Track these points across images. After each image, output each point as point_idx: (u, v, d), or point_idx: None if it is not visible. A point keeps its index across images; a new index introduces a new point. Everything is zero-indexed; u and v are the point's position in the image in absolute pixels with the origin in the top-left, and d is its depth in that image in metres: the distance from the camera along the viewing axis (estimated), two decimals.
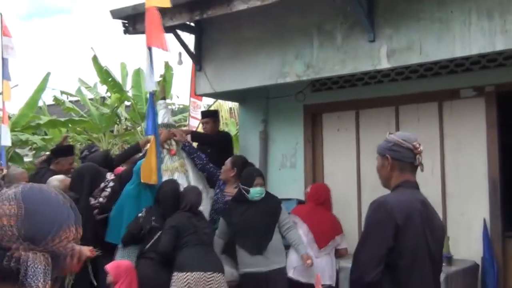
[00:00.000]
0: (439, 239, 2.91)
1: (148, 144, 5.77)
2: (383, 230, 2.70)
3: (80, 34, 49.38)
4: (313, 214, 5.53)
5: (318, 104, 6.67)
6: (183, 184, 5.78)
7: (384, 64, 5.26)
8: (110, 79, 15.17)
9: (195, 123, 11.77)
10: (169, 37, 6.54)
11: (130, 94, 15.77)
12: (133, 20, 6.32)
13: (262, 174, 5.58)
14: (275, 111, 7.00)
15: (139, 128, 15.47)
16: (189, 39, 6.67)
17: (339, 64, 5.54)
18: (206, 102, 16.30)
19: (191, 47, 6.71)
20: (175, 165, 5.93)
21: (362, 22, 5.28)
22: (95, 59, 14.83)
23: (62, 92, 17.88)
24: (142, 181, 5.52)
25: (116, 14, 6.37)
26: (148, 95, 5.86)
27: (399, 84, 6.07)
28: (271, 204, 5.34)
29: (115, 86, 15.29)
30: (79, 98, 17.01)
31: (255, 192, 5.25)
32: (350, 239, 6.24)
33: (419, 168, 2.90)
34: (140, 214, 5.16)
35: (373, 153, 6.37)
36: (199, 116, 11.91)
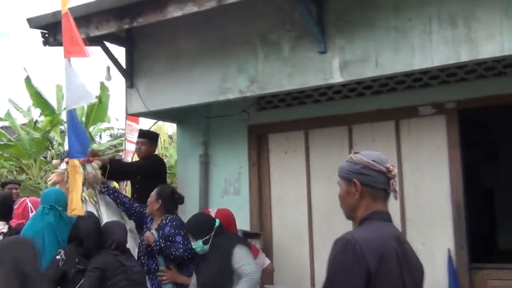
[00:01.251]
0: (418, 282, 2.31)
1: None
2: (351, 277, 2.08)
3: (17, 59, 47.58)
4: None
5: (264, 124, 6.08)
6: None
7: (337, 78, 4.73)
8: (42, 101, 14.24)
9: (132, 147, 10.97)
10: (96, 50, 5.86)
11: (64, 117, 14.88)
12: (53, 30, 5.58)
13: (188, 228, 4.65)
14: (216, 132, 6.36)
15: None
16: (119, 51, 5.99)
17: (286, 78, 4.97)
18: (145, 126, 15.55)
19: (122, 60, 6.02)
20: (83, 195, 5.13)
21: (311, 31, 4.74)
22: (27, 80, 13.91)
23: None
24: (69, 214, 4.78)
25: (34, 22, 5.62)
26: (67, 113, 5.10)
27: (352, 101, 5.56)
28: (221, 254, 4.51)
29: (47, 109, 14.36)
30: (8, 122, 15.94)
31: (196, 247, 4.45)
32: (300, 275, 5.66)
33: (391, 195, 2.31)
34: (58, 257, 4.34)
35: (325, 178, 5.87)
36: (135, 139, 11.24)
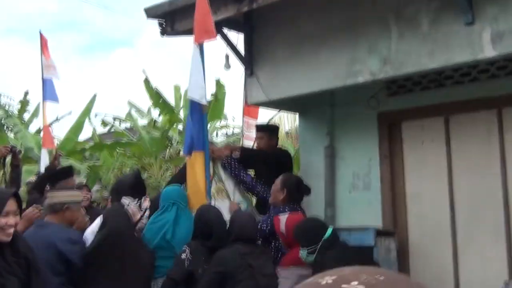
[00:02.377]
0: None
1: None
2: None
3: (139, 66, 50.09)
4: None
5: (396, 111, 5.49)
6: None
7: (488, 52, 4.07)
8: (161, 101, 14.48)
9: (250, 144, 10.72)
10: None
11: (182, 116, 15.07)
12: (170, 18, 5.37)
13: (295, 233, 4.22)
14: (342, 122, 5.85)
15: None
16: (238, 38, 5.67)
17: (426, 56, 4.37)
18: (263, 121, 15.31)
19: (241, 48, 5.70)
20: (212, 191, 4.86)
21: (455, 0, 4.12)
22: (146, 81, 14.20)
23: (114, 119, 17.36)
24: (191, 208, 4.57)
25: (151, 12, 5.44)
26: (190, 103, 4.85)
27: (502, 81, 4.82)
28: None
29: (165, 108, 14.59)
30: (129, 123, 16.44)
31: (302, 256, 4.00)
32: (441, 281, 5.03)
33: None
34: (183, 256, 4.01)
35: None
36: (254, 136, 10.96)
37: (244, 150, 5.77)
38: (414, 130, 5.42)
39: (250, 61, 5.66)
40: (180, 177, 5.14)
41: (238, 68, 5.87)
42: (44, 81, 9.97)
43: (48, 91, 9.85)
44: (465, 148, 5.05)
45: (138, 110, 16.05)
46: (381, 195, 5.49)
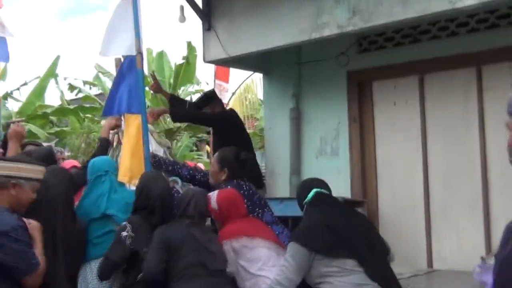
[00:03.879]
0: None
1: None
2: None
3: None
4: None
5: (367, 70, 5.02)
6: None
7: (468, 1, 3.59)
8: None
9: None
10: None
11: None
12: None
13: None
14: (309, 82, 5.38)
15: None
16: None
17: (399, 5, 3.89)
18: (236, 83, 14.71)
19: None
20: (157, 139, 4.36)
21: None
22: None
23: (84, 83, 16.62)
24: (128, 182, 4.03)
25: None
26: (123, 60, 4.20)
27: (482, 36, 4.37)
28: None
29: None
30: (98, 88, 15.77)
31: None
32: (413, 252, 4.67)
33: None
34: (124, 233, 3.45)
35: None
36: (226, 100, 10.40)
37: (175, 113, 5.05)
38: (386, 90, 4.97)
39: (207, 14, 5.13)
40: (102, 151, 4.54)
41: (197, 22, 5.31)
42: None
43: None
44: (441, 109, 4.63)
45: (107, 73, 15.36)
46: (350, 161, 5.07)
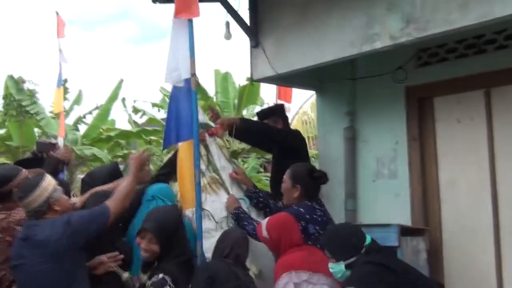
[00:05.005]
0: None
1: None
2: None
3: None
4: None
5: (427, 85, 4.62)
6: (217, 210, 4.06)
7: None
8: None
9: None
10: (214, 5, 4.86)
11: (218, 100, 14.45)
12: None
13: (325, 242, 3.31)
14: (364, 99, 5.03)
15: (225, 137, 13.93)
16: (240, 2, 4.90)
17: (457, 11, 3.50)
18: (298, 104, 14.48)
19: (244, 14, 4.94)
20: (203, 182, 4.09)
21: None
22: None
23: (153, 105, 16.86)
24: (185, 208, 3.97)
25: None
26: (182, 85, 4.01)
27: None
28: None
29: (199, 93, 13.95)
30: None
31: (335, 271, 3.13)
32: (481, 285, 4.19)
33: None
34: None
35: None
36: (289, 120, 10.15)
37: (244, 122, 4.78)
38: (449, 106, 4.55)
39: (255, 29, 4.91)
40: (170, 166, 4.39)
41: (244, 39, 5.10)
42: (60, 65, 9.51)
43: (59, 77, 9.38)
44: (510, 126, 4.15)
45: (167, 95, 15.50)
46: (410, 184, 4.65)
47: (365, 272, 2.90)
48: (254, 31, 4.90)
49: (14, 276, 3.22)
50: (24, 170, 3.75)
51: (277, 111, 4.94)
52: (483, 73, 4.26)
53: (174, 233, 3.29)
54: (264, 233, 3.56)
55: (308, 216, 3.61)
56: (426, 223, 4.53)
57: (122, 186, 3.43)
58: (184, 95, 3.99)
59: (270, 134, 4.69)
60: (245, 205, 4.17)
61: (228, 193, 4.23)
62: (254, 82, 5.05)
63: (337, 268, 3.02)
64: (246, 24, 4.93)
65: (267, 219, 3.70)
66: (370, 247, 3.01)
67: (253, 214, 4.14)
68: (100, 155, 11.60)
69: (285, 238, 3.51)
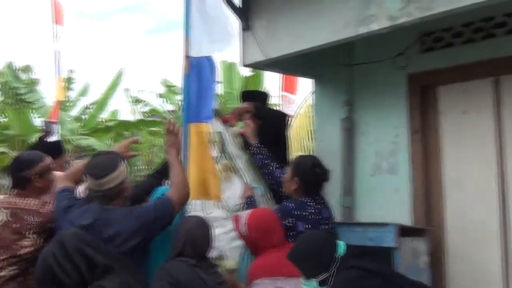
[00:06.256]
0: None
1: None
2: None
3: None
4: None
5: (431, 72, 4.27)
6: (229, 198, 3.82)
7: None
8: None
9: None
10: None
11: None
12: None
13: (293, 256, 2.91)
14: (363, 87, 4.69)
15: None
16: None
17: None
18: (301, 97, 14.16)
19: None
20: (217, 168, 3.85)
21: None
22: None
23: (159, 95, 16.61)
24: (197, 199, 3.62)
25: None
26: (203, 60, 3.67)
27: None
28: None
29: None
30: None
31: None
32: None
33: None
34: None
35: None
36: (293, 112, 9.81)
37: (258, 110, 4.42)
38: (454, 95, 4.19)
39: (246, 12, 4.56)
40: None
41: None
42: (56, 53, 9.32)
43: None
44: None
45: (172, 86, 15.22)
46: (411, 180, 4.31)
47: (346, 279, 2.58)
48: (245, 13, 4.56)
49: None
50: (48, 158, 3.51)
51: (259, 97, 4.62)
52: (492, 59, 3.91)
53: None
54: (243, 228, 3.27)
55: (297, 213, 3.41)
56: (427, 222, 4.20)
57: (175, 174, 3.26)
58: (210, 72, 3.69)
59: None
60: (259, 193, 3.94)
61: (242, 181, 3.98)
62: (244, 67, 4.70)
63: (310, 285, 2.69)
64: (235, 5, 4.59)
65: (248, 212, 3.42)
66: (346, 255, 2.68)
67: (265, 204, 3.91)
68: (96, 145, 11.33)
69: (265, 240, 3.23)
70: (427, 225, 4.14)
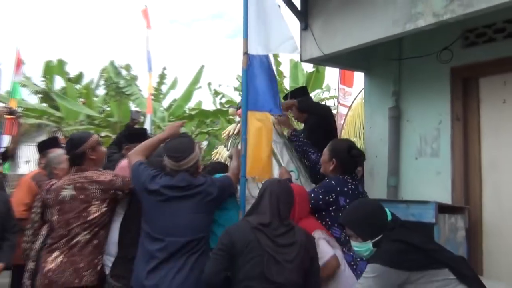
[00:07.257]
0: None
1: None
2: None
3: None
4: None
5: (473, 65, 3.99)
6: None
7: None
8: None
9: (345, 111, 9.41)
10: None
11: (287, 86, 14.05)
12: None
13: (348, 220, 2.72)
14: (410, 79, 4.45)
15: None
16: None
17: None
18: (357, 89, 13.82)
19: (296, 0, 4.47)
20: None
21: None
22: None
23: (235, 89, 16.69)
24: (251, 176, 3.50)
25: None
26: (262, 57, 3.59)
27: None
28: None
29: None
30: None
31: (361, 251, 2.62)
32: None
33: None
34: None
35: None
36: (349, 103, 9.55)
37: (301, 104, 4.51)
38: (495, 86, 3.90)
39: (304, 12, 4.43)
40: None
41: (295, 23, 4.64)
42: (148, 52, 9.48)
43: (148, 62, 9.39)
44: None
45: None
46: (452, 163, 4.06)
47: (392, 250, 2.44)
48: (304, 15, 4.43)
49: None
50: (95, 134, 3.58)
51: (300, 95, 4.68)
52: None
53: None
54: None
55: (339, 189, 3.34)
56: (466, 202, 3.94)
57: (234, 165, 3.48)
58: (266, 69, 3.57)
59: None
60: (294, 176, 3.81)
61: (280, 164, 3.90)
62: (303, 62, 4.59)
63: (365, 247, 2.55)
64: (296, 8, 4.47)
65: None
66: (393, 223, 2.54)
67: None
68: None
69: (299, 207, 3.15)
70: (465, 205, 3.90)
